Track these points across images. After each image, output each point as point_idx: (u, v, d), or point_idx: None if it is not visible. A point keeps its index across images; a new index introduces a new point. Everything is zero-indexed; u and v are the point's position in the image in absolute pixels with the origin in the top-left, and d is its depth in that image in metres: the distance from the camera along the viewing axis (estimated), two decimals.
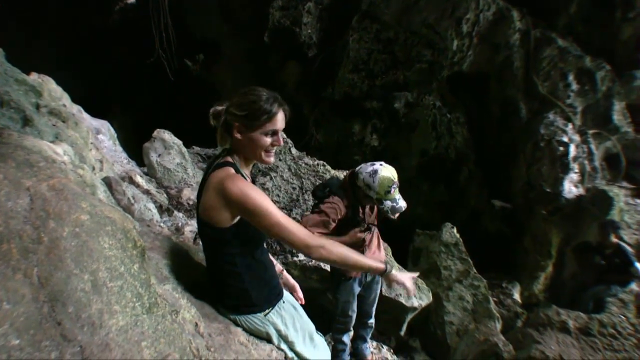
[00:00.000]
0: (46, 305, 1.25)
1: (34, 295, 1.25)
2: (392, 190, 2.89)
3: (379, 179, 2.87)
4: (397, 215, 3.04)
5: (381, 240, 3.50)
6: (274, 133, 1.92)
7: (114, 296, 1.41)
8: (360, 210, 3.18)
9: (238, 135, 1.92)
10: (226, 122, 1.95)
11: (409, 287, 2.28)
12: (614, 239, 5.85)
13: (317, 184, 4.67)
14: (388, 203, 2.92)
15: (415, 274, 2.41)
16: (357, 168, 3.05)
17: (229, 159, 1.96)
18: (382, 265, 2.14)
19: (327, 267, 3.95)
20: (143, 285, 1.53)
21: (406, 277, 2.29)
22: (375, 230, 3.38)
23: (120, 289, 1.44)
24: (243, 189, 1.80)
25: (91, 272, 1.38)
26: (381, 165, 2.96)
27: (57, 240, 1.36)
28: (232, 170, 1.89)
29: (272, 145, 1.94)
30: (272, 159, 1.99)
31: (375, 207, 3.24)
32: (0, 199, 1.38)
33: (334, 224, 3.04)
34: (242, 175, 1.93)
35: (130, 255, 1.53)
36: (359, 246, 3.20)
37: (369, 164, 3.01)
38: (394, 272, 2.20)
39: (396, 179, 2.92)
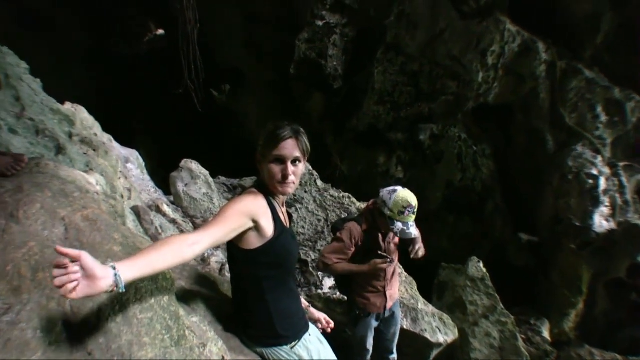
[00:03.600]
0: None
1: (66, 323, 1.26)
2: (406, 212, 2.87)
3: (395, 196, 2.88)
4: (415, 246, 3.06)
5: (399, 274, 3.48)
6: (281, 161, 1.83)
7: (144, 328, 1.41)
8: (381, 237, 3.16)
9: (259, 165, 1.92)
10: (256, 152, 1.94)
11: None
12: None
13: (341, 217, 4.69)
14: (399, 225, 2.89)
15: None
16: (381, 189, 3.09)
17: (256, 186, 1.94)
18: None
19: None
20: (172, 318, 1.53)
21: None
22: (395, 264, 3.35)
23: (150, 321, 1.44)
24: (235, 199, 1.80)
25: (122, 303, 1.39)
26: (402, 188, 2.98)
27: None
28: (254, 191, 1.89)
29: (283, 176, 1.83)
30: (288, 189, 1.89)
31: (396, 239, 3.23)
32: (37, 228, 1.42)
33: (351, 250, 3.07)
34: (271, 202, 1.89)
35: (160, 287, 1.53)
36: (378, 278, 3.22)
37: (393, 186, 3.04)
38: None
39: (414, 203, 2.89)
